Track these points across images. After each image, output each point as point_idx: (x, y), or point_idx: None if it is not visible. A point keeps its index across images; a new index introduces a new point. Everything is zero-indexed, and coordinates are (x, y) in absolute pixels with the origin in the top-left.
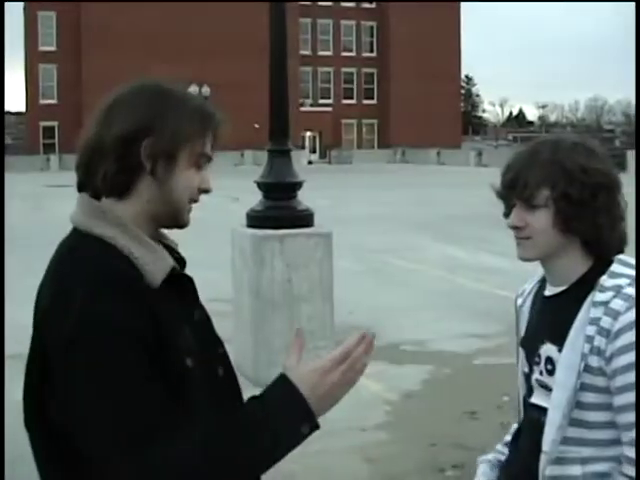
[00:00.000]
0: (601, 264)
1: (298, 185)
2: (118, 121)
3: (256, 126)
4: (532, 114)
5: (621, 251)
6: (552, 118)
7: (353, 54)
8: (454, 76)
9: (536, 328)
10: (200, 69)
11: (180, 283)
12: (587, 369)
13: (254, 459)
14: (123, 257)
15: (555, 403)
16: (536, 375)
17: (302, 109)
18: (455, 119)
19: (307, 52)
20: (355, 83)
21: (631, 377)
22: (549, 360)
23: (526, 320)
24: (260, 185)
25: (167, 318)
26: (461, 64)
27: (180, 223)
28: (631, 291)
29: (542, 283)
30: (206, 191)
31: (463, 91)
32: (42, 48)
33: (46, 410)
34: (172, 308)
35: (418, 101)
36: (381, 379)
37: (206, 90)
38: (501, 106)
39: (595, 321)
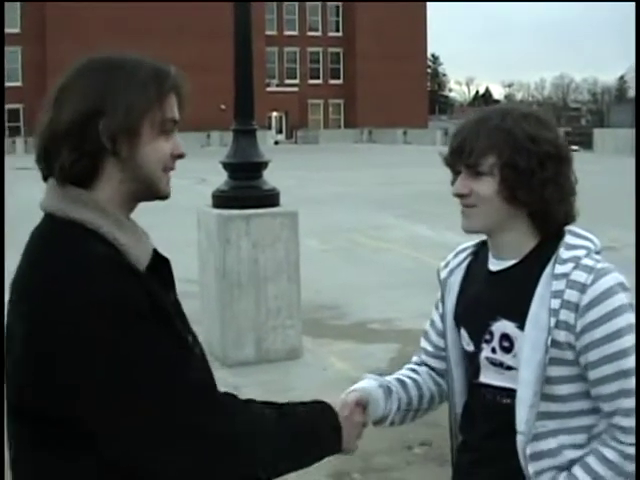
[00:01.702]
0: (552, 237)
1: (264, 165)
2: (70, 105)
3: (222, 107)
4: (498, 93)
5: (567, 224)
6: (518, 97)
7: (319, 34)
8: (420, 55)
9: (483, 304)
10: (165, 50)
11: (158, 265)
12: (554, 344)
13: (298, 458)
14: (108, 243)
15: (525, 381)
16: (486, 353)
17: (268, 89)
18: (421, 98)
19: (273, 32)
20: (321, 63)
21: (607, 349)
22: (505, 337)
23: (455, 295)
24: (225, 165)
25: (161, 300)
26: (427, 43)
27: (160, 195)
28: (591, 262)
29: (474, 256)
30: (180, 156)
31: (429, 70)
32: (6, 30)
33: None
34: (159, 290)
35: (384, 81)
36: (348, 358)
37: None
38: (467, 85)
39: (558, 294)
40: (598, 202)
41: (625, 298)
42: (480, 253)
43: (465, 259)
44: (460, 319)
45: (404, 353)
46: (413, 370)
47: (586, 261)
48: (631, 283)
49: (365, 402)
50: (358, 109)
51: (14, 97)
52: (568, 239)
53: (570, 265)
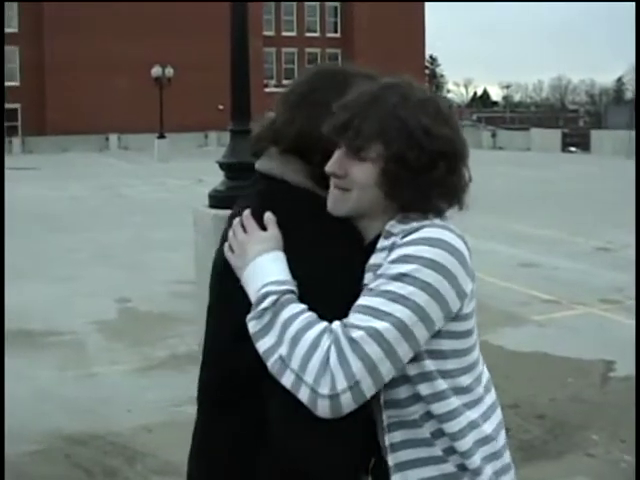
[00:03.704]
0: None
1: None
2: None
3: (220, 107)
4: (496, 94)
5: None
6: (516, 98)
7: (317, 34)
8: (418, 56)
9: None
10: (163, 50)
11: None
12: None
13: None
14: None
15: None
16: None
17: (266, 90)
18: None
19: (271, 33)
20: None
21: (379, 283)
22: None
23: None
24: (222, 165)
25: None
26: (425, 44)
27: None
28: (416, 224)
29: None
30: None
31: (427, 71)
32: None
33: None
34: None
35: None
36: None
37: (170, 71)
38: (465, 86)
39: (373, 268)
40: (595, 204)
41: (432, 254)
42: None
43: None
44: None
45: None
46: None
47: (413, 226)
48: (631, 283)
49: None
50: None
51: (12, 97)
52: (411, 214)
53: (397, 238)
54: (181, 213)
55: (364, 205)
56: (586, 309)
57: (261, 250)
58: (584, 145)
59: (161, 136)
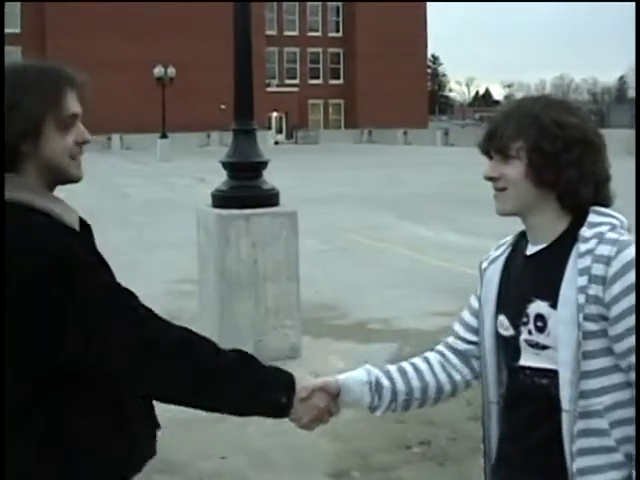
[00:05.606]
0: (579, 218)
1: (263, 164)
2: None
3: (222, 107)
4: (498, 93)
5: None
6: (518, 97)
7: (319, 34)
8: (420, 56)
9: (520, 288)
10: (166, 50)
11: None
12: (589, 318)
13: (238, 398)
14: (43, 213)
15: (562, 361)
16: (525, 335)
17: (268, 90)
18: (422, 99)
19: (273, 32)
20: (321, 63)
21: (631, 321)
22: (539, 317)
23: (495, 284)
24: (225, 165)
25: (94, 249)
26: (427, 43)
27: (72, 179)
28: (614, 236)
29: (514, 247)
30: (85, 142)
31: (429, 71)
32: (6, 30)
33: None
34: (91, 244)
35: (385, 81)
36: (348, 357)
37: (172, 71)
38: (467, 86)
39: (585, 271)
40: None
41: None
42: (519, 243)
43: (505, 251)
44: (500, 306)
45: (403, 352)
46: (425, 359)
47: (609, 235)
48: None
49: (334, 391)
50: (358, 109)
51: None
52: (591, 217)
53: (594, 241)
54: (184, 212)
55: (522, 199)
56: None
57: None
58: None
59: (163, 136)
